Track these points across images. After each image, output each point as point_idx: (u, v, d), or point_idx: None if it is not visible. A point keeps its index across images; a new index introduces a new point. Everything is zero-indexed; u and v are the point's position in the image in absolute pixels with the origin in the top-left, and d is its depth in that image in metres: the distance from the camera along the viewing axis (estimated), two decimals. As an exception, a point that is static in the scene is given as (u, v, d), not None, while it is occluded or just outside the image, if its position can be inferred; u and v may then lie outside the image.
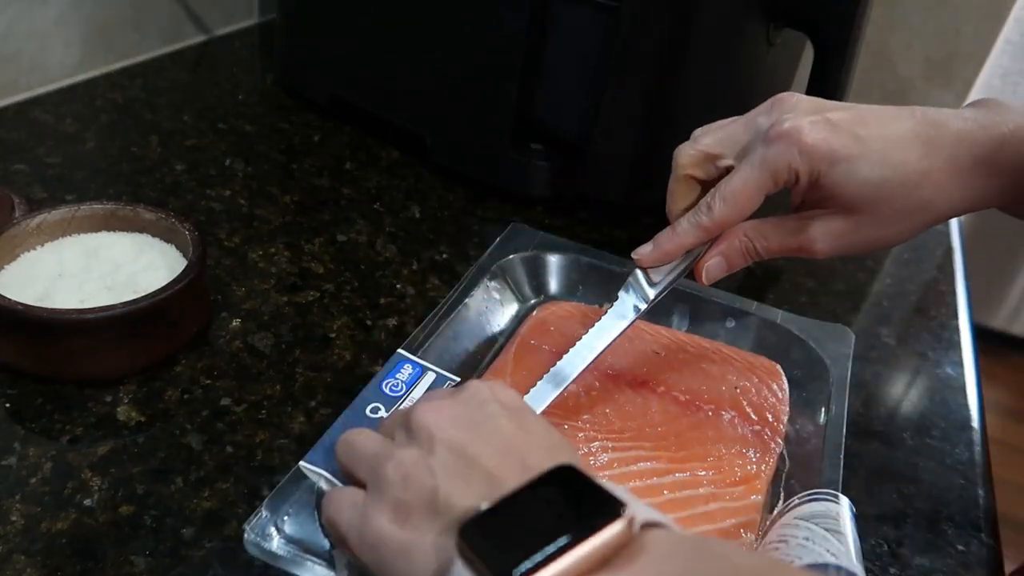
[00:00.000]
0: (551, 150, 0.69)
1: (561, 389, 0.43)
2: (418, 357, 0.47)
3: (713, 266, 0.43)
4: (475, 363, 0.50)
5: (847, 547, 0.35)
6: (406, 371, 0.46)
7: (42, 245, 0.51)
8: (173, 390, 0.47)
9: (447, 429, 0.32)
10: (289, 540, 0.36)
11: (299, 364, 0.50)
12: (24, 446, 0.43)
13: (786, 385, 0.50)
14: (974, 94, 0.98)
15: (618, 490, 0.29)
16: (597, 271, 0.57)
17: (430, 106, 0.72)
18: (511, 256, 0.57)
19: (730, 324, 0.55)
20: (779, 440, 0.46)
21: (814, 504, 0.38)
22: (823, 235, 0.41)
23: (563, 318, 0.53)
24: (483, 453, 0.31)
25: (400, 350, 0.47)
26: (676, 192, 0.44)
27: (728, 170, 0.42)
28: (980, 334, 0.64)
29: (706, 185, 0.44)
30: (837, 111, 0.40)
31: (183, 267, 0.48)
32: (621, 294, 0.45)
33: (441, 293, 0.58)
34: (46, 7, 0.74)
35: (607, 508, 0.27)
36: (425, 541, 0.30)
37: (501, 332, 0.54)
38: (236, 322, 0.53)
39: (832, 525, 0.36)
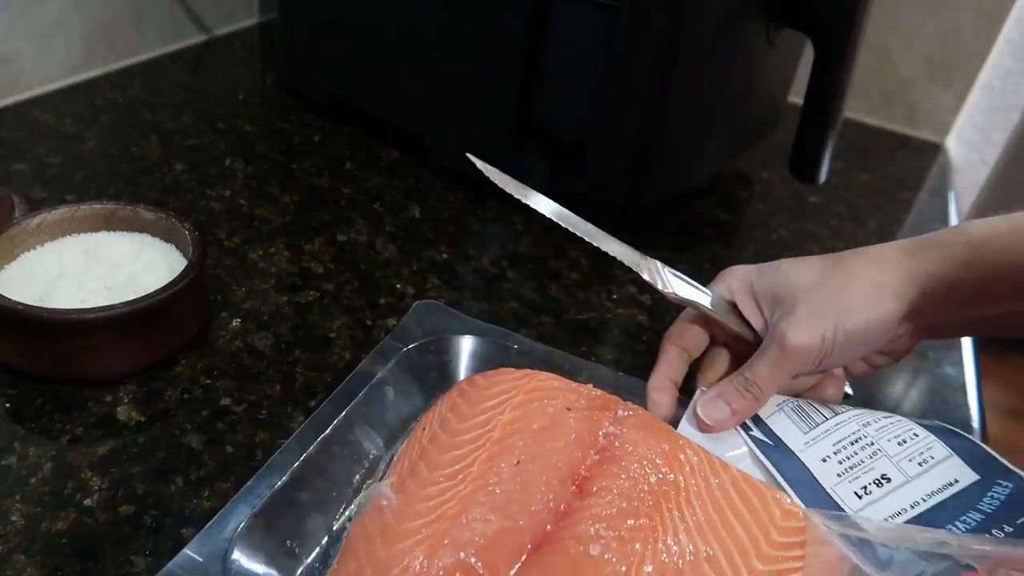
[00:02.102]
0: (551, 150, 0.69)
1: None
2: None
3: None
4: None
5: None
6: None
7: (42, 245, 0.51)
8: (173, 390, 0.47)
9: None
10: None
11: (299, 364, 0.50)
12: (24, 446, 0.43)
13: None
14: (974, 94, 0.98)
15: None
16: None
17: (430, 106, 0.72)
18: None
19: None
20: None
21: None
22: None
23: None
24: None
25: None
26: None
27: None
28: (980, 334, 0.64)
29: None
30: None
31: (183, 267, 0.48)
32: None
33: (441, 293, 0.58)
34: (46, 7, 0.74)
35: None
36: None
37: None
38: (236, 322, 0.53)
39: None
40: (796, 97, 0.69)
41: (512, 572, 0.34)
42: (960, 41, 0.95)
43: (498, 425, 0.41)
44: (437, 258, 0.63)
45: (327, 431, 0.42)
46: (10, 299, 0.44)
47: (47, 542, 0.38)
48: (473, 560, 0.34)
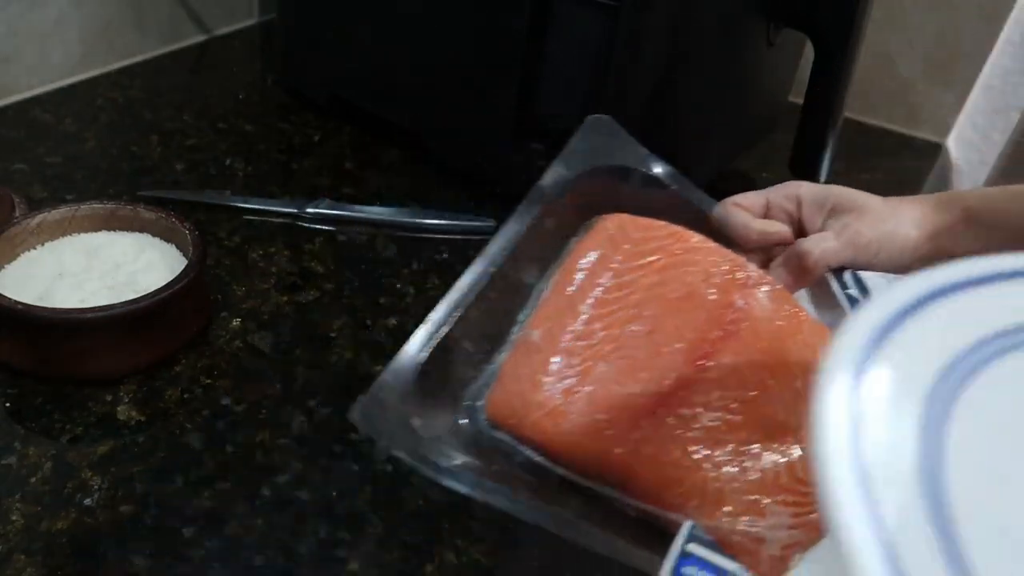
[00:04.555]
0: (551, 150, 0.69)
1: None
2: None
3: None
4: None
5: None
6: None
7: (42, 245, 0.51)
8: (173, 390, 0.47)
9: None
10: None
11: (299, 364, 0.50)
12: (24, 446, 0.43)
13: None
14: (974, 94, 0.98)
15: None
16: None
17: (430, 106, 0.72)
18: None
19: None
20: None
21: None
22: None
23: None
24: None
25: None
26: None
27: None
28: (980, 334, 0.64)
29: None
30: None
31: (183, 267, 0.48)
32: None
33: (441, 292, 0.58)
34: (46, 7, 0.74)
35: None
36: None
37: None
38: (236, 322, 0.53)
39: None
40: (796, 97, 0.69)
41: (628, 441, 0.38)
42: (960, 41, 0.95)
43: (639, 288, 0.44)
44: (437, 257, 0.63)
45: (493, 267, 0.43)
46: (10, 299, 0.44)
47: (47, 542, 0.38)
48: (601, 417, 0.39)
